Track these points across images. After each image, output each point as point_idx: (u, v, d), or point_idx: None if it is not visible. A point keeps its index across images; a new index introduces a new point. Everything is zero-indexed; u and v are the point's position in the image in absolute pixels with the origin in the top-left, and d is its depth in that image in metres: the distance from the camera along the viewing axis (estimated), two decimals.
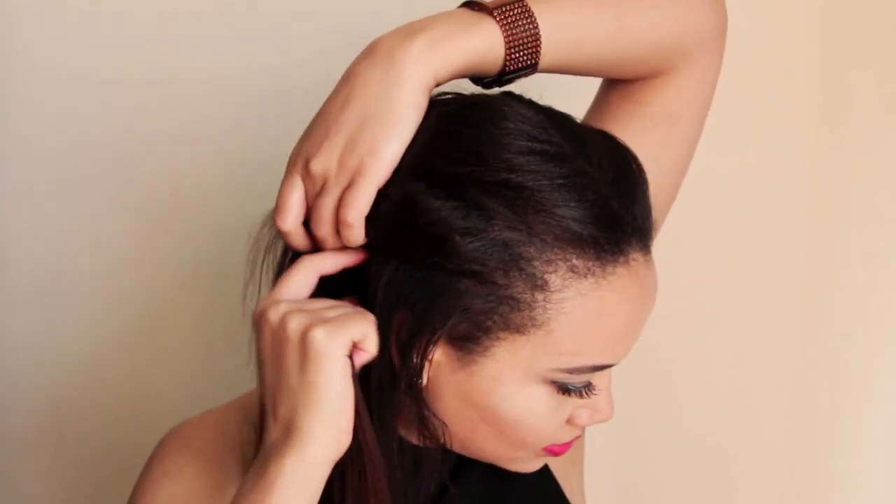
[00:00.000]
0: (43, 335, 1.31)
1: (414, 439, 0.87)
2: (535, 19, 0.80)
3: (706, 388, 1.43)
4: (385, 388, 0.82)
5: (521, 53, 0.81)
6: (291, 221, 0.81)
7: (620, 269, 0.78)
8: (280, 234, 0.83)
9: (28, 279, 1.29)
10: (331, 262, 0.82)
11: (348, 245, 0.80)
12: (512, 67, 0.81)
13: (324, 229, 0.80)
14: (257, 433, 0.87)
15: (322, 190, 0.79)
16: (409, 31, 0.79)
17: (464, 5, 0.82)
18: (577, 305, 0.78)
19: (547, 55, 0.82)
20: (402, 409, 0.84)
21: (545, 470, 0.98)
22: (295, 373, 0.77)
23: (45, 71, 1.25)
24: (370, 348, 0.79)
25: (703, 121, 0.95)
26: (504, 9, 0.80)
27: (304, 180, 0.80)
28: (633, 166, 0.82)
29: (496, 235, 0.76)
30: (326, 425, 0.76)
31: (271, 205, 0.83)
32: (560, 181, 0.76)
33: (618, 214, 0.78)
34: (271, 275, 0.87)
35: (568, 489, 1.00)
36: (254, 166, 1.25)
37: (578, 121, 0.84)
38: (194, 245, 1.30)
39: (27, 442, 1.32)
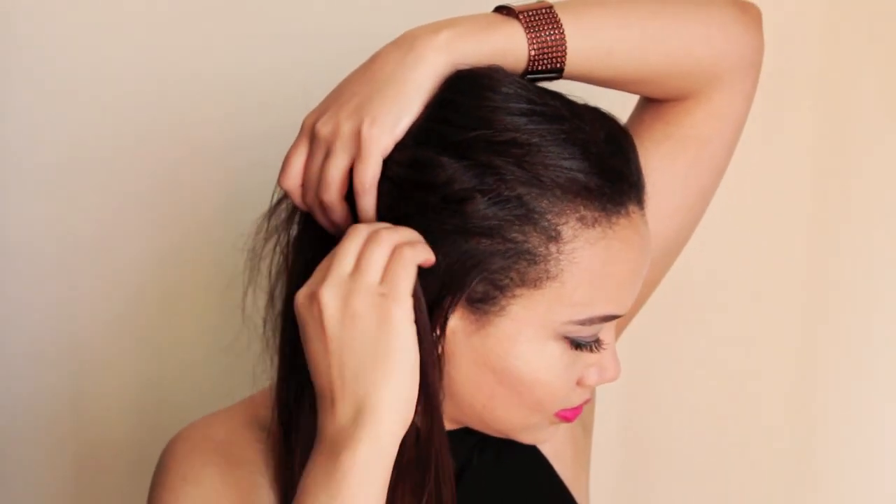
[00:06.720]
0: (45, 336, 1.30)
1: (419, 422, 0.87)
2: (562, 26, 0.84)
3: (707, 390, 1.43)
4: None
5: (546, 57, 0.84)
6: (292, 181, 0.84)
7: (623, 220, 0.82)
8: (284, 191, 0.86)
9: (31, 281, 1.28)
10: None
11: (360, 213, 0.82)
12: (536, 69, 0.84)
13: (329, 195, 0.82)
14: (268, 432, 0.88)
15: (328, 155, 0.82)
16: (437, 26, 0.83)
17: (496, 9, 0.86)
18: (586, 255, 0.81)
19: (574, 62, 0.85)
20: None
21: (552, 474, 0.99)
22: (368, 350, 0.76)
23: (46, 73, 1.24)
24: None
25: (733, 146, 0.96)
26: (530, 13, 0.84)
27: (311, 144, 0.83)
28: (622, 130, 0.85)
29: (511, 192, 0.79)
30: (402, 398, 0.77)
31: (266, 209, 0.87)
32: (563, 136, 0.80)
33: (617, 168, 0.82)
34: (271, 280, 0.88)
35: (577, 492, 1.01)
36: (258, 168, 1.26)
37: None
38: (199, 247, 1.30)
39: (27, 442, 1.32)
